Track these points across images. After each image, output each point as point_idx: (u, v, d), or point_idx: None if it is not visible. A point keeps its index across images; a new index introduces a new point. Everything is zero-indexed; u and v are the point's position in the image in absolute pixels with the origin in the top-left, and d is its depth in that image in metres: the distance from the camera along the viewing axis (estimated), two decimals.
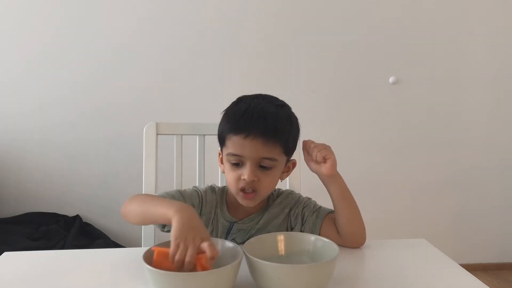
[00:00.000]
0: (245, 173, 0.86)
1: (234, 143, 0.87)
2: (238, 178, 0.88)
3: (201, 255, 0.69)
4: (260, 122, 0.86)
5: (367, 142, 2.29)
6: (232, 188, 0.91)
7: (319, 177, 0.95)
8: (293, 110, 0.96)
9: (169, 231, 0.85)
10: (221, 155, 0.95)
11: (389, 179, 2.35)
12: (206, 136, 1.22)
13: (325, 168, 0.92)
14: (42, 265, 0.85)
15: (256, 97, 0.93)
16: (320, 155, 0.91)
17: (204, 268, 0.68)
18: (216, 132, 1.20)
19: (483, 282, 0.78)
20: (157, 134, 1.17)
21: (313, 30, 2.22)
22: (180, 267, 0.68)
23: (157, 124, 1.17)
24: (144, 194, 0.91)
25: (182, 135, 1.20)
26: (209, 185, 1.02)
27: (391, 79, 2.28)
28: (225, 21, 2.17)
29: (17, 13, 2.05)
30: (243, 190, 0.89)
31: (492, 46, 2.34)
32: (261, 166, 0.88)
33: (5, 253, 0.90)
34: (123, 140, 2.15)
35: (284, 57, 2.22)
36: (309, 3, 2.20)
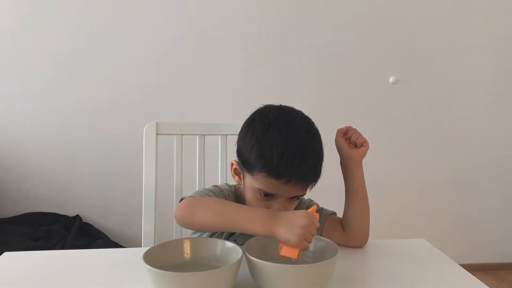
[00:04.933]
0: (276, 208, 0.84)
1: (270, 184, 0.82)
2: (266, 208, 0.86)
3: None
4: (302, 167, 0.81)
5: None
6: None
7: (343, 162, 0.96)
8: None
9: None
10: (234, 166, 0.93)
11: (388, 179, 2.36)
12: (206, 136, 1.22)
13: (358, 152, 0.94)
14: (42, 265, 0.85)
15: (288, 123, 0.84)
16: (361, 140, 0.95)
17: None
18: (216, 132, 1.22)
19: (483, 282, 0.78)
20: (157, 134, 1.17)
21: (313, 30, 2.22)
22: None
23: (157, 124, 1.17)
24: (207, 199, 0.84)
25: (182, 135, 1.20)
26: (226, 183, 1.01)
27: (391, 79, 2.28)
28: (226, 21, 2.17)
29: (17, 12, 2.05)
30: None
31: (492, 46, 2.33)
32: (292, 197, 0.86)
33: (5, 253, 0.89)
34: (123, 140, 2.15)
35: (284, 57, 2.22)
36: (309, 3, 2.20)
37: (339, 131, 0.98)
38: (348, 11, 2.23)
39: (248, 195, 0.88)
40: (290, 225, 0.72)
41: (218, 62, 2.18)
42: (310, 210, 0.76)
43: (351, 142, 0.96)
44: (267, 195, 0.85)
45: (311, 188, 0.88)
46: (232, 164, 0.93)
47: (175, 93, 2.17)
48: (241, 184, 0.93)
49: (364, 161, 0.98)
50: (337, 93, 2.27)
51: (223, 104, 2.15)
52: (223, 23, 2.17)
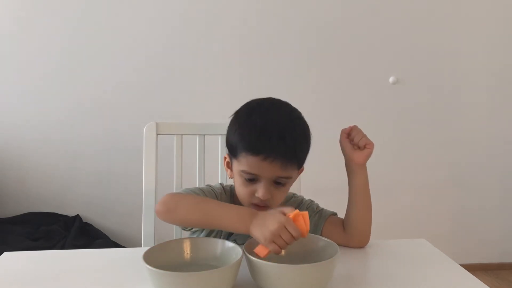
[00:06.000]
0: (260, 191, 0.84)
1: (250, 163, 0.83)
2: (252, 194, 0.86)
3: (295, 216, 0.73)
4: (280, 144, 0.82)
5: None
6: (244, 202, 0.89)
7: (347, 163, 0.95)
8: None
9: (190, 229, 0.91)
10: (227, 160, 0.93)
11: (389, 179, 2.35)
12: (206, 136, 1.22)
13: (360, 154, 0.92)
14: (42, 265, 0.85)
15: (270, 108, 0.88)
16: (363, 141, 0.92)
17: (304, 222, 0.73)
18: (216, 132, 1.22)
19: (483, 282, 0.78)
20: (157, 134, 1.17)
21: (313, 30, 2.22)
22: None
23: (157, 124, 1.17)
24: (190, 196, 0.86)
25: (182, 135, 1.20)
26: (220, 183, 1.02)
27: (391, 79, 2.28)
28: (226, 20, 2.17)
29: (18, 11, 2.05)
30: (255, 204, 0.87)
31: (492, 46, 2.33)
32: (276, 182, 0.86)
33: (5, 253, 0.90)
34: (123, 140, 2.15)
35: (284, 58, 2.22)
36: (310, 3, 2.20)
37: (343, 131, 0.96)
38: (349, 10, 2.23)
39: (236, 183, 0.90)
40: (262, 227, 0.73)
41: (218, 62, 2.18)
42: (291, 215, 0.73)
43: (354, 144, 0.93)
44: (251, 180, 0.85)
45: (295, 168, 0.86)
46: (225, 158, 0.94)
47: (175, 93, 2.17)
48: (232, 178, 0.93)
49: None
50: (337, 93, 2.27)
51: (223, 104, 2.14)
52: (224, 23, 2.17)
